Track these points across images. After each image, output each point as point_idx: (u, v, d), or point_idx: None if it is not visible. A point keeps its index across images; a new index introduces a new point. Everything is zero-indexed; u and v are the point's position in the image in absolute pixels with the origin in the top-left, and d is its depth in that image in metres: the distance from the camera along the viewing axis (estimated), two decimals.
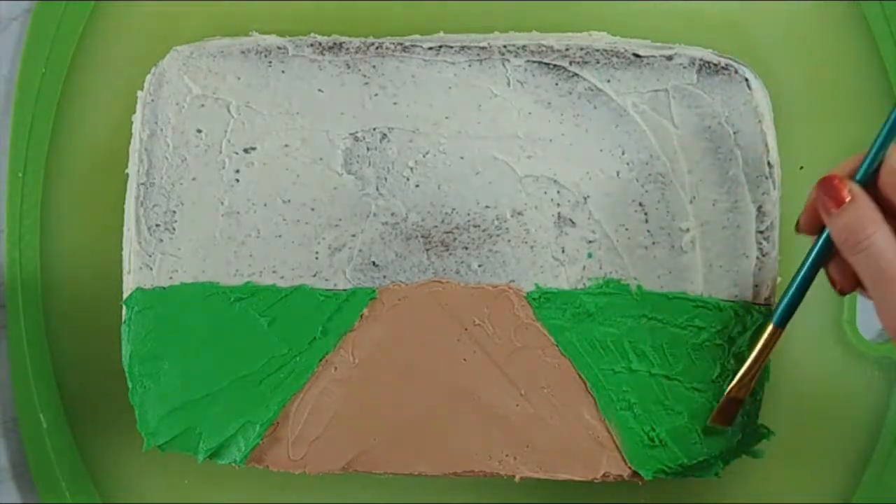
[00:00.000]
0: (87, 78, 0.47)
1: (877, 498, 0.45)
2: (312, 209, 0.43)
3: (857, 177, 0.35)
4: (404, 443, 0.42)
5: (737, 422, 0.41)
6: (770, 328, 0.39)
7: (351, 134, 0.43)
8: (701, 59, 0.42)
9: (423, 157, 0.42)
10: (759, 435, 0.42)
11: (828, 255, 0.37)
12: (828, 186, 0.34)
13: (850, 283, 0.36)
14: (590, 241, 0.42)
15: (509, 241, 0.42)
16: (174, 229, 0.43)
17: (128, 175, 0.44)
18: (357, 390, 0.43)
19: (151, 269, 0.43)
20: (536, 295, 0.42)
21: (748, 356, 0.40)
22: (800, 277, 0.38)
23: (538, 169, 0.42)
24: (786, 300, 0.38)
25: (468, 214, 0.42)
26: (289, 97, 0.43)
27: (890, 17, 0.45)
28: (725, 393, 0.40)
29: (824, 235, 0.36)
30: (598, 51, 0.42)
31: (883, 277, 0.32)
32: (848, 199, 0.34)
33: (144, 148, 0.43)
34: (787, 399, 0.45)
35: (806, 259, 0.37)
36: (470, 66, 0.42)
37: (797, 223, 0.37)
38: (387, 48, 0.43)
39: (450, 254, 0.42)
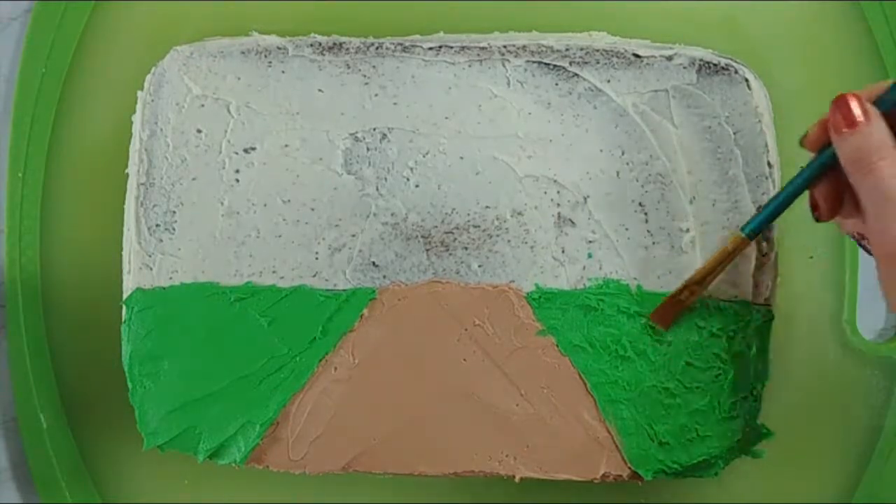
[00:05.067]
0: (87, 78, 0.47)
1: (877, 498, 0.45)
2: (312, 209, 0.43)
3: (879, 103, 0.33)
4: (404, 443, 0.42)
5: (740, 423, 0.41)
6: (739, 236, 0.39)
7: (351, 134, 0.43)
8: (701, 60, 0.42)
9: (423, 157, 0.42)
10: (759, 435, 0.42)
11: (818, 177, 0.36)
12: (842, 106, 0.33)
13: (830, 210, 0.36)
14: (590, 241, 0.42)
15: (509, 241, 0.42)
16: (174, 229, 0.43)
17: (128, 175, 0.44)
18: (357, 390, 0.43)
19: (151, 269, 0.43)
20: (536, 295, 0.42)
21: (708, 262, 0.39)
22: (785, 192, 0.37)
23: (538, 169, 0.42)
24: (765, 212, 0.38)
25: (468, 214, 0.42)
26: (289, 97, 0.43)
27: (890, 17, 0.45)
28: (672, 293, 0.40)
29: (825, 155, 0.35)
30: (598, 51, 0.42)
31: (884, 199, 0.32)
32: (862, 121, 0.33)
33: (144, 148, 0.43)
34: (787, 399, 0.45)
35: (797, 176, 0.36)
36: (470, 66, 0.42)
37: (802, 138, 0.36)
38: (387, 48, 0.43)
39: (450, 254, 0.42)
